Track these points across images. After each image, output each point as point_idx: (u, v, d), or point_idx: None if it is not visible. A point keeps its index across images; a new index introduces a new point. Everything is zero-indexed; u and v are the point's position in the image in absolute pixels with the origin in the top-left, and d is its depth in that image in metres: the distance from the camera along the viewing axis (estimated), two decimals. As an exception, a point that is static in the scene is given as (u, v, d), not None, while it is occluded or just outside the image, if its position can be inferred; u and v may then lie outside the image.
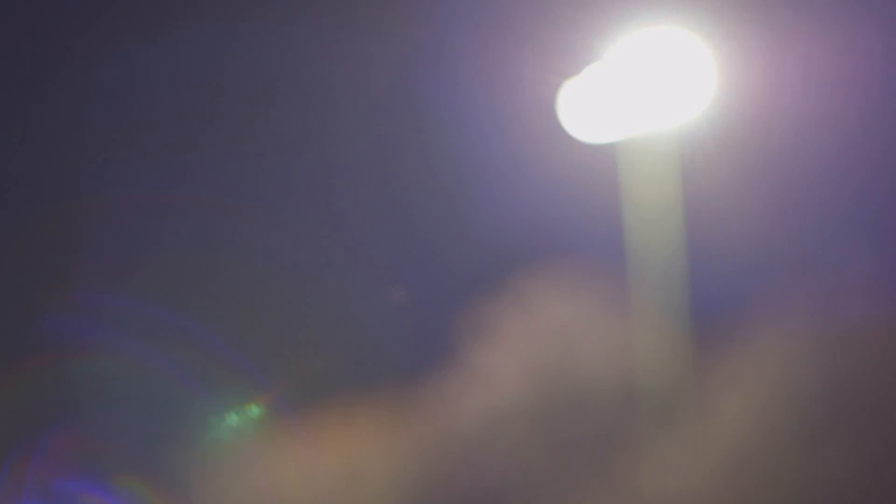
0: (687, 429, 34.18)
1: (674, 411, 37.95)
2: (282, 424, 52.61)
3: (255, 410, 54.44)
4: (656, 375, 35.88)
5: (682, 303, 37.74)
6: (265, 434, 52.97)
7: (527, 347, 49.54)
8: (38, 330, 63.85)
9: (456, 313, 54.83)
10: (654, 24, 33.90)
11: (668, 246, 36.01)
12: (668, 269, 36.28)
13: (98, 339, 64.56)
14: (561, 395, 48.57)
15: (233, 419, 54.19)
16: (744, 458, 31.83)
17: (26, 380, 57.59)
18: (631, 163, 35.36)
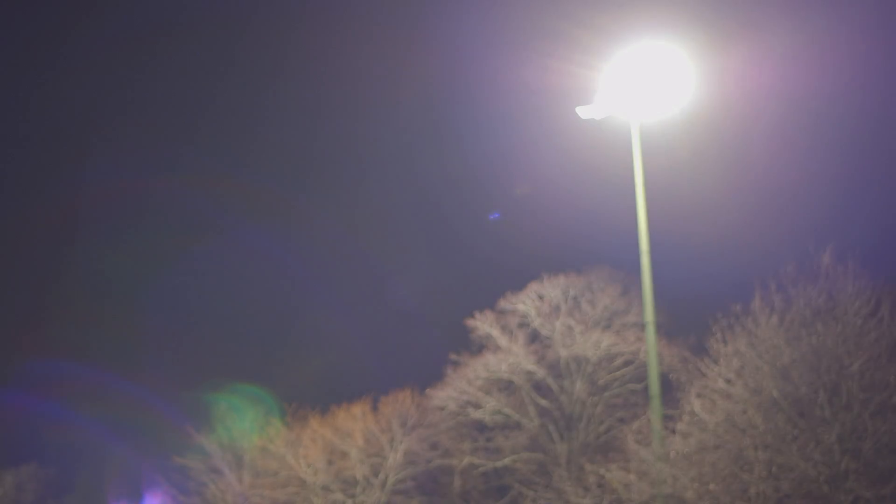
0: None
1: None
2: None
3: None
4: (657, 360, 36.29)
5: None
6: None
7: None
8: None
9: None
10: (651, 39, 38.56)
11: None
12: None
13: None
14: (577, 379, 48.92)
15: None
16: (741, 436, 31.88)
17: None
18: (634, 143, 38.46)
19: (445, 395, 51.38)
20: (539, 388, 51.43)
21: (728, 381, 33.16)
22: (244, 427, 57.20)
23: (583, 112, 39.80)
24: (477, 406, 50.63)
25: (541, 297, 52.62)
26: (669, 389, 41.00)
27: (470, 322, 52.73)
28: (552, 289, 52.59)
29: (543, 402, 50.75)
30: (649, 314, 37.18)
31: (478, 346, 52.49)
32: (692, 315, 43.21)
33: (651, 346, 37.00)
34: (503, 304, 53.01)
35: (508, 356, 50.87)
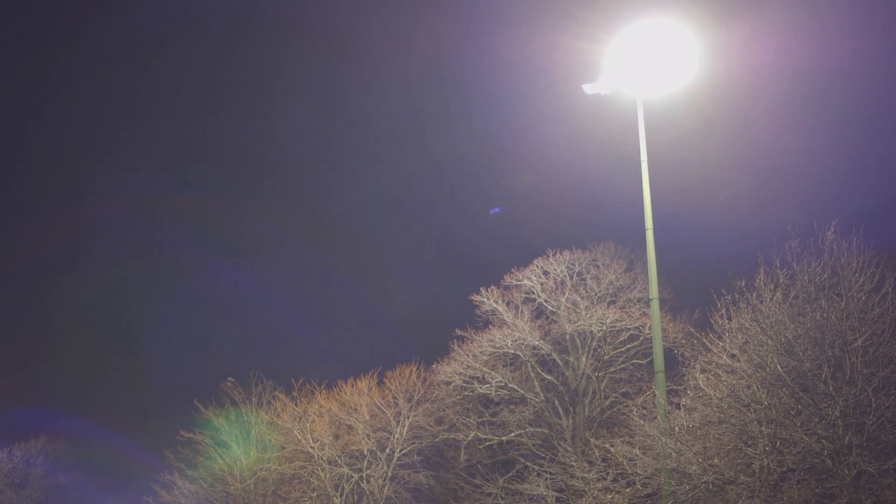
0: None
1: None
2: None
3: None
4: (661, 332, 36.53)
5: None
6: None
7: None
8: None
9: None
10: (656, 15, 39.28)
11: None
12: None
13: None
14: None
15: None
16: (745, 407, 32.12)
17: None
18: (640, 117, 39.01)
19: (451, 370, 51.50)
20: (544, 363, 51.59)
21: (732, 357, 33.37)
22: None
23: (588, 88, 40.01)
24: (482, 381, 50.75)
25: (546, 273, 52.76)
26: (674, 364, 41.23)
27: (475, 297, 52.89)
28: (557, 264, 52.74)
29: (548, 377, 50.90)
30: (654, 290, 37.37)
31: (483, 322, 52.68)
32: (696, 290, 43.44)
33: (656, 322, 37.18)
34: (508, 279, 53.17)
35: (514, 331, 50.98)
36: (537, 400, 50.38)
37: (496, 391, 50.79)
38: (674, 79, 39.07)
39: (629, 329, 49.87)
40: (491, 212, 71.65)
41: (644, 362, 49.71)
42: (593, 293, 51.51)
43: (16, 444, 72.10)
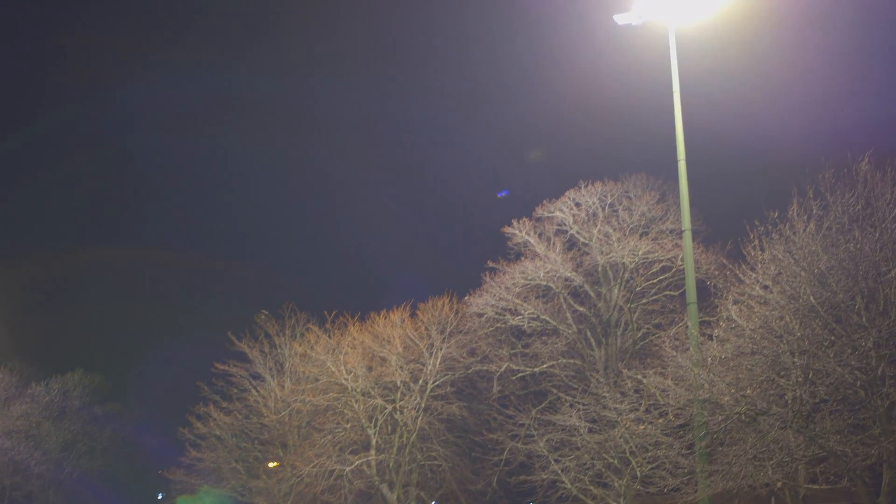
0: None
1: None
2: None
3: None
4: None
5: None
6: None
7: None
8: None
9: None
10: None
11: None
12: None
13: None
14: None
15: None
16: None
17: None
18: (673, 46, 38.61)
19: (483, 302, 51.63)
20: (576, 294, 51.64)
21: (765, 288, 33.29)
22: None
23: (620, 19, 39.65)
24: (515, 313, 50.88)
25: (578, 205, 52.60)
26: (706, 296, 41.19)
27: (507, 230, 52.84)
28: (589, 196, 52.55)
29: (581, 309, 50.97)
30: (686, 221, 37.29)
31: (515, 254, 52.67)
32: (729, 221, 43.25)
33: (688, 253, 37.14)
34: (540, 211, 53.03)
35: (546, 263, 50.99)
36: (569, 331, 50.50)
37: (528, 323, 50.93)
38: (706, 6, 38.60)
39: (661, 260, 49.79)
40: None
41: (676, 294, 49.64)
42: (625, 224, 51.37)
43: (53, 377, 73.09)
